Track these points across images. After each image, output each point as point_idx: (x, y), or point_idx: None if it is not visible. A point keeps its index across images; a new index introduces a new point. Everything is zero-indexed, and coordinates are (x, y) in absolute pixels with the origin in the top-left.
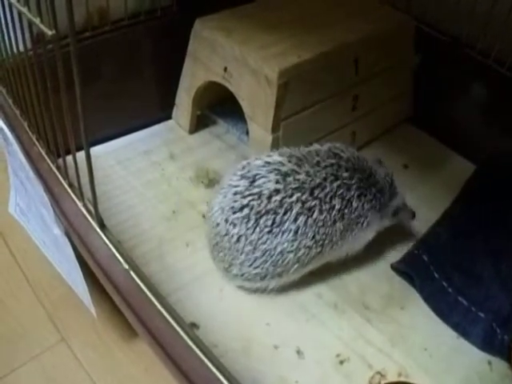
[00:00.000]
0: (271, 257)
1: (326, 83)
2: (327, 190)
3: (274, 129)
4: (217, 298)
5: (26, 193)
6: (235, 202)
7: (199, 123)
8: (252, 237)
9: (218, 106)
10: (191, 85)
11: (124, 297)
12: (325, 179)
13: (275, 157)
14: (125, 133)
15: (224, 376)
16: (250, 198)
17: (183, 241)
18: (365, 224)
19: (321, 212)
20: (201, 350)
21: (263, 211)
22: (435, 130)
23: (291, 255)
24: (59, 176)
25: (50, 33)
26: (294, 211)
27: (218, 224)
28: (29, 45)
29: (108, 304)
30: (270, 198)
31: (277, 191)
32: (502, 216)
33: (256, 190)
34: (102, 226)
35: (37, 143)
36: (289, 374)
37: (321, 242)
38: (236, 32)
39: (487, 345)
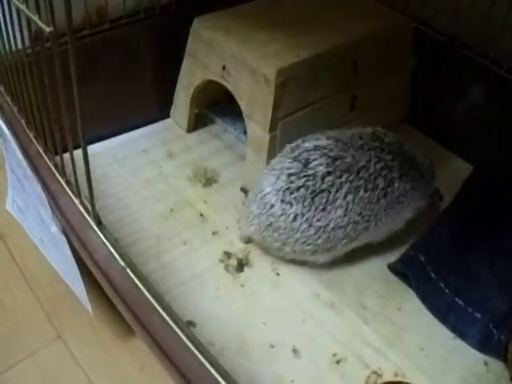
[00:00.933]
0: (324, 233)
1: (324, 83)
2: (371, 170)
3: (272, 128)
4: (214, 296)
5: (24, 190)
6: (291, 183)
7: (197, 122)
8: (308, 214)
9: (216, 105)
10: (189, 83)
11: (121, 295)
12: (369, 161)
13: (323, 140)
14: (123, 131)
15: (220, 374)
16: (305, 179)
17: (181, 239)
18: (405, 203)
19: (366, 190)
20: (197, 349)
21: (318, 190)
22: (433, 131)
23: (341, 230)
24: (57, 174)
25: (48, 30)
26: (344, 190)
27: (272, 205)
28: (27, 42)
29: (105, 302)
30: (323, 178)
31: (328, 173)
32: (498, 217)
33: (310, 172)
34: (99, 223)
35: (34, 141)
36: (285, 373)
37: (367, 218)
38: (234, 31)
39: (484, 345)
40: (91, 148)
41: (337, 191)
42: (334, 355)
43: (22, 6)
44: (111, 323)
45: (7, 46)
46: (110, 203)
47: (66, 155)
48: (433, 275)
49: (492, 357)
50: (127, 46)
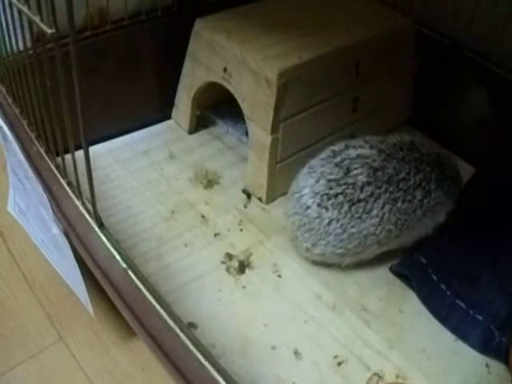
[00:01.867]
0: (356, 239)
1: (326, 85)
2: (411, 182)
3: (274, 130)
4: (215, 298)
5: (25, 192)
6: (330, 189)
7: (199, 123)
8: (343, 221)
9: (218, 107)
10: (191, 85)
11: (122, 296)
12: (408, 173)
13: (367, 150)
14: (124, 132)
15: (222, 376)
16: (344, 186)
17: (182, 241)
18: (439, 210)
19: (403, 202)
20: (199, 350)
21: (355, 200)
22: (435, 132)
23: (373, 237)
24: (58, 175)
25: (49, 31)
26: (382, 200)
27: (308, 207)
28: (29, 44)
29: (106, 303)
30: (362, 188)
31: (369, 183)
32: (500, 219)
33: (351, 181)
34: (101, 225)
35: (36, 142)
36: (286, 375)
37: (400, 227)
38: (236, 32)
39: (485, 347)
40: (92, 149)
41: (374, 201)
42: (336, 357)
43: (24, 8)
44: (112, 324)
45: (9, 48)
46: (111, 204)
47: (68, 156)
48: (434, 277)
49: (493, 359)
50: (129, 48)
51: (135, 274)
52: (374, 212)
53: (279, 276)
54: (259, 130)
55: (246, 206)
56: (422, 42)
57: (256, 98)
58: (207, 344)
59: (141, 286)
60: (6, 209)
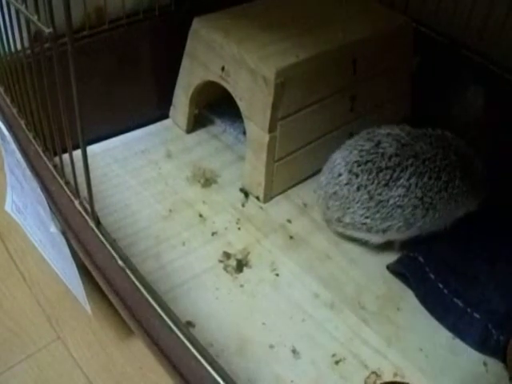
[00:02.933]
0: (383, 208)
1: (323, 83)
2: (437, 163)
3: (272, 128)
4: (213, 297)
5: (23, 191)
6: (361, 157)
7: (196, 122)
8: (370, 187)
9: (216, 106)
10: (189, 84)
11: (120, 295)
12: (435, 155)
13: (396, 130)
14: (122, 131)
15: (219, 375)
16: (374, 155)
17: (180, 240)
18: (460, 203)
19: (430, 178)
20: (196, 349)
21: (383, 167)
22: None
23: (399, 210)
24: (56, 174)
25: (47, 30)
26: (408, 172)
27: (340, 174)
28: (26, 43)
29: (104, 302)
30: (390, 158)
31: (396, 154)
32: (498, 218)
33: (380, 151)
34: (98, 224)
35: (34, 141)
36: (284, 374)
37: (426, 206)
38: (234, 31)
39: (483, 346)
40: (90, 149)
41: (401, 171)
42: (334, 355)
43: (21, 7)
44: (110, 323)
45: (6, 47)
46: (109, 204)
47: (65, 156)
48: (432, 276)
49: (491, 357)
50: (126, 47)
51: (133, 272)
52: (401, 181)
53: (277, 275)
54: (257, 128)
55: (243, 205)
56: (419, 40)
57: (254, 96)
58: (205, 343)
59: (138, 285)
60: (3, 208)
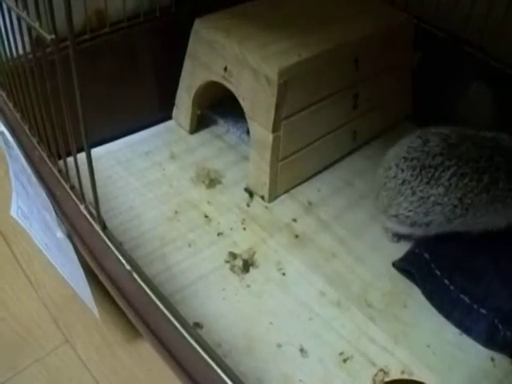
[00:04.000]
0: (424, 203)
1: (326, 82)
2: (480, 165)
3: (275, 128)
4: (220, 297)
5: (28, 196)
6: (408, 153)
7: (199, 123)
8: (413, 183)
9: (219, 106)
10: (191, 85)
11: (127, 298)
12: (480, 157)
13: (447, 130)
14: (125, 134)
15: (228, 376)
16: (420, 153)
17: (185, 241)
18: (501, 209)
19: (471, 180)
20: (204, 350)
21: (427, 165)
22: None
23: (439, 208)
24: (61, 179)
25: (49, 37)
26: (450, 172)
27: (390, 167)
28: (28, 48)
29: (111, 305)
30: (434, 156)
31: (441, 154)
32: None
33: (426, 149)
34: (104, 228)
35: (38, 146)
36: (292, 373)
37: (466, 206)
38: (236, 31)
39: (490, 341)
40: (94, 151)
41: (443, 170)
42: (341, 354)
43: (23, 14)
44: (118, 326)
45: (8, 52)
46: (114, 206)
47: (70, 159)
48: (437, 272)
49: (498, 352)
50: (128, 49)
51: (140, 275)
52: (442, 180)
53: (283, 274)
54: (260, 128)
55: (248, 205)
56: (420, 37)
57: (257, 96)
58: (213, 343)
59: (145, 288)
60: (9, 213)
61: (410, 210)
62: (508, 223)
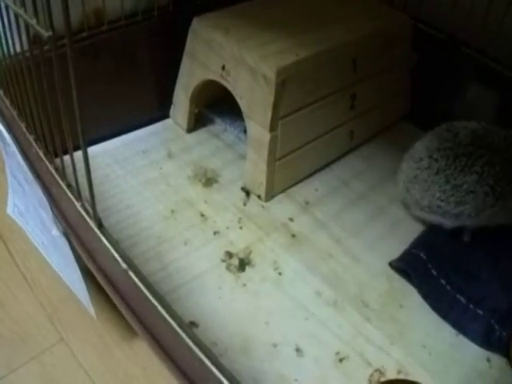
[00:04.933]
0: (457, 192)
1: (324, 82)
2: (507, 155)
3: (272, 127)
4: (216, 296)
5: (24, 194)
6: (441, 144)
7: (197, 122)
8: (448, 171)
9: (216, 105)
10: (189, 83)
11: (123, 297)
12: (508, 148)
13: (474, 124)
14: (122, 132)
15: (223, 375)
16: (451, 143)
17: (182, 239)
18: None
19: (502, 168)
20: (200, 349)
21: (460, 154)
22: (432, 129)
23: (472, 195)
24: (57, 177)
25: (46, 34)
26: (482, 160)
27: (421, 159)
28: (25, 46)
29: (107, 304)
30: (465, 146)
31: (471, 144)
32: None
33: (457, 140)
34: (101, 226)
35: (34, 144)
36: (288, 373)
37: (497, 195)
38: (234, 30)
39: (486, 342)
40: (91, 150)
41: (475, 159)
42: (337, 353)
43: (20, 11)
44: (114, 325)
45: (6, 50)
46: (110, 204)
47: (67, 157)
48: (434, 272)
49: (494, 353)
50: (126, 48)
51: (136, 274)
52: (475, 168)
53: (279, 273)
54: (258, 127)
55: (245, 204)
56: (419, 37)
57: (254, 95)
58: (208, 342)
59: (141, 286)
60: (5, 211)
61: (443, 200)
62: None
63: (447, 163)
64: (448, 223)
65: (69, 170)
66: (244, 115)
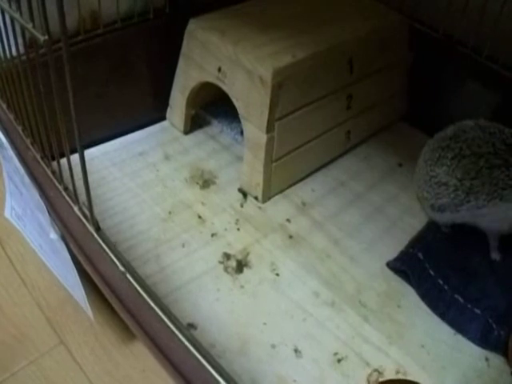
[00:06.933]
0: (433, 183)
1: (320, 82)
2: (481, 149)
3: (269, 129)
4: (214, 298)
5: (22, 197)
6: (438, 139)
7: (193, 123)
8: (428, 163)
9: (213, 107)
10: (185, 85)
11: (121, 299)
12: (485, 143)
13: (470, 122)
14: (119, 134)
15: (222, 376)
16: (439, 138)
17: (179, 242)
18: (498, 201)
19: (470, 162)
20: (198, 351)
21: (436, 147)
22: (429, 128)
23: (444, 188)
24: (54, 180)
25: (42, 38)
26: (453, 153)
27: (425, 153)
28: (22, 50)
29: (105, 306)
30: (445, 140)
31: (450, 138)
32: None
33: (442, 134)
34: (98, 229)
35: (31, 147)
36: (287, 373)
37: (465, 189)
38: (230, 32)
39: (484, 341)
40: (88, 152)
41: (447, 151)
42: (335, 354)
43: (16, 15)
44: (112, 327)
45: (2, 54)
46: (107, 207)
47: (63, 160)
48: (431, 272)
49: (492, 352)
50: (122, 50)
51: (133, 277)
52: (445, 160)
53: (277, 274)
54: (254, 129)
55: (242, 206)
56: (415, 37)
57: (251, 97)
58: (207, 344)
59: (139, 289)
60: (3, 214)
61: (428, 192)
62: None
63: (425, 158)
64: (437, 217)
65: (66, 173)
66: (240, 117)
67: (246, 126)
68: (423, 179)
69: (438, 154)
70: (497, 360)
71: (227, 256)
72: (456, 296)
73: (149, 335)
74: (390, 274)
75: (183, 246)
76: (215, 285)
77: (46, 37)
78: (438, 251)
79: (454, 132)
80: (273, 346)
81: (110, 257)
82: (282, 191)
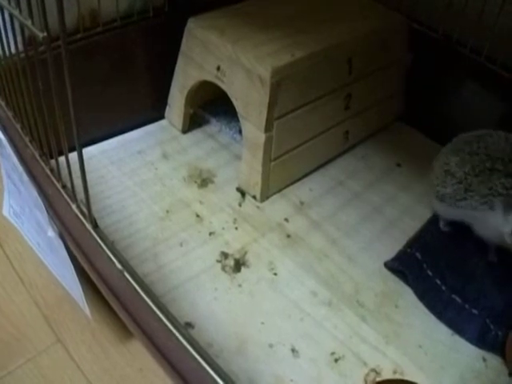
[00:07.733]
0: (443, 172)
1: (319, 82)
2: (477, 150)
3: (268, 128)
4: (211, 297)
5: (20, 195)
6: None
7: (192, 122)
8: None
9: (211, 105)
10: (184, 84)
11: (118, 298)
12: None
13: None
14: (118, 133)
15: (219, 375)
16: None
17: (177, 240)
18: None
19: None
20: (196, 350)
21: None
22: (428, 129)
23: (449, 177)
24: (52, 178)
25: (41, 35)
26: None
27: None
28: (21, 47)
29: (103, 305)
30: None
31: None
32: None
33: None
34: (96, 227)
35: (30, 145)
36: (284, 373)
37: (466, 185)
38: (229, 31)
39: (481, 341)
40: (86, 151)
41: (465, 147)
42: (333, 354)
43: (15, 12)
44: (110, 326)
45: (1, 51)
46: (106, 205)
47: (62, 158)
48: (429, 272)
49: (490, 352)
50: (121, 49)
51: (131, 275)
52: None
53: (275, 274)
54: (253, 128)
55: (240, 205)
56: (413, 37)
57: (249, 96)
58: (204, 343)
59: (137, 288)
60: (0, 212)
61: (437, 178)
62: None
63: (453, 146)
64: (439, 209)
65: (64, 171)
66: (239, 116)
67: (245, 125)
68: (438, 164)
69: (459, 146)
70: (494, 360)
71: (225, 255)
72: (454, 296)
73: (146, 334)
74: (388, 273)
75: (181, 244)
76: (213, 284)
77: (45, 33)
78: (436, 251)
79: (482, 133)
80: (270, 346)
81: (107, 255)
82: (280, 190)
